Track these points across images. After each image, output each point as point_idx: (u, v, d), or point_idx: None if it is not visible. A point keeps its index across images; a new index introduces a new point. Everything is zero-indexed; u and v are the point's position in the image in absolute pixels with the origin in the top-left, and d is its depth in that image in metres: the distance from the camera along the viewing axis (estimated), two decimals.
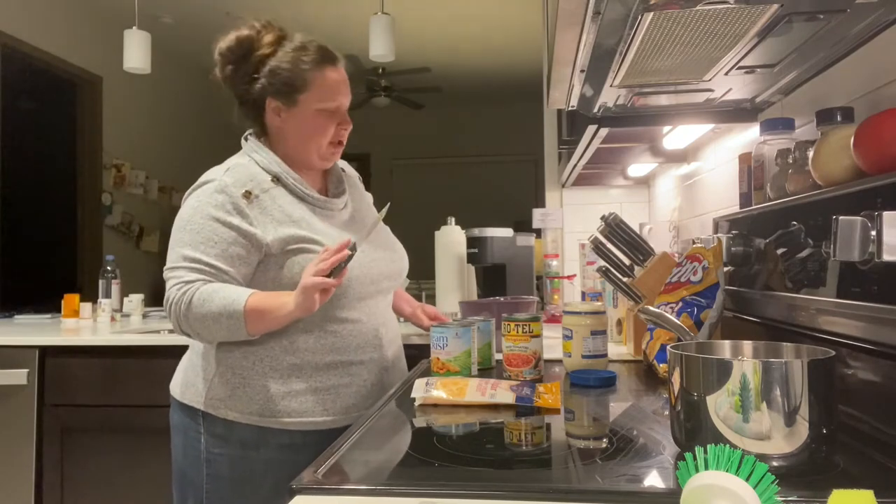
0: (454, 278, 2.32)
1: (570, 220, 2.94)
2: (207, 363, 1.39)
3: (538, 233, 2.84)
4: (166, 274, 1.35)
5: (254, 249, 1.35)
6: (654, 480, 0.74)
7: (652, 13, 0.90)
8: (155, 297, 5.04)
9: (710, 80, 1.22)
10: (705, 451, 0.57)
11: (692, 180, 2.18)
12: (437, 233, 2.35)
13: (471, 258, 2.43)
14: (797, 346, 0.79)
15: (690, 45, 1.03)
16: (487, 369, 1.46)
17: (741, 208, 1.44)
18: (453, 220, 2.38)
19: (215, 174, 1.39)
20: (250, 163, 1.42)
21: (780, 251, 1.15)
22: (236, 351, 1.37)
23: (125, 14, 3.61)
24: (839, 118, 1.07)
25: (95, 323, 2.67)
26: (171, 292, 1.32)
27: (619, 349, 1.70)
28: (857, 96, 1.10)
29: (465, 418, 1.04)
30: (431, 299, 2.38)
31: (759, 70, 1.18)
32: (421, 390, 1.12)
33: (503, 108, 7.73)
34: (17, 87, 4.44)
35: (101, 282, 2.86)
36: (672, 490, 0.68)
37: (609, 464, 0.79)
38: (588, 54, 1.12)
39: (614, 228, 1.51)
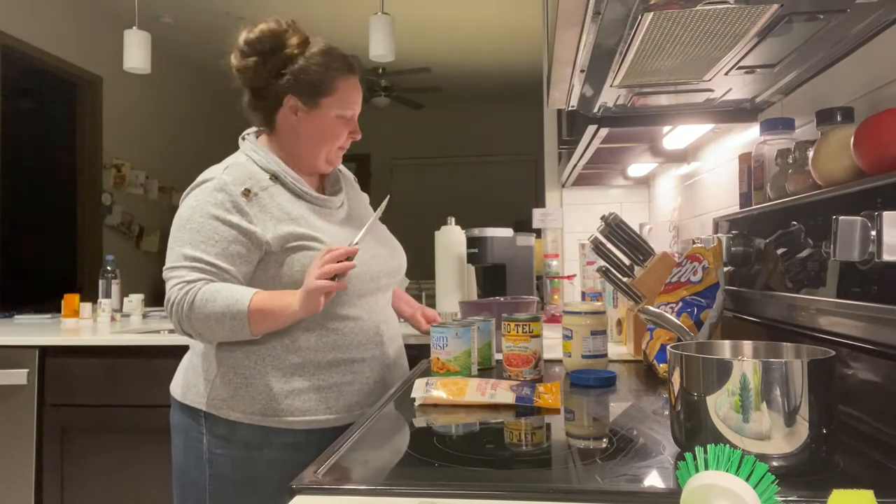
0: (454, 278, 2.32)
1: (570, 220, 2.94)
2: (209, 363, 1.39)
3: (538, 233, 2.84)
4: (166, 274, 1.35)
5: (254, 247, 1.35)
6: (654, 480, 0.74)
7: (652, 13, 0.90)
8: (155, 297, 5.04)
9: (710, 80, 1.22)
10: (705, 451, 0.57)
11: (692, 180, 2.18)
12: (437, 233, 2.35)
13: (471, 258, 2.43)
14: (797, 346, 0.79)
15: (690, 45, 1.02)
16: (487, 369, 1.46)
17: (741, 208, 1.44)
18: (453, 220, 2.38)
19: (214, 173, 1.39)
20: (248, 161, 1.42)
21: (780, 251, 1.15)
22: (238, 350, 1.37)
23: (125, 14, 3.61)
24: (839, 118, 1.07)
25: (95, 323, 2.67)
26: (173, 292, 1.31)
27: (619, 349, 1.70)
28: (857, 96, 1.10)
29: (465, 418, 1.04)
30: (431, 299, 2.38)
31: (759, 70, 1.18)
32: (421, 390, 1.12)
33: (503, 108, 7.73)
34: (17, 87, 4.44)
35: (101, 282, 2.86)
36: (672, 490, 0.68)
37: (609, 464, 0.79)
38: (588, 54, 1.12)
39: (614, 228, 1.51)
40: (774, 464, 0.68)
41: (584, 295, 2.33)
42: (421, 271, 2.97)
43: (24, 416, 2.13)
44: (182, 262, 1.33)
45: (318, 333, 1.38)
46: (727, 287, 1.34)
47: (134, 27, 3.36)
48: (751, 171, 1.40)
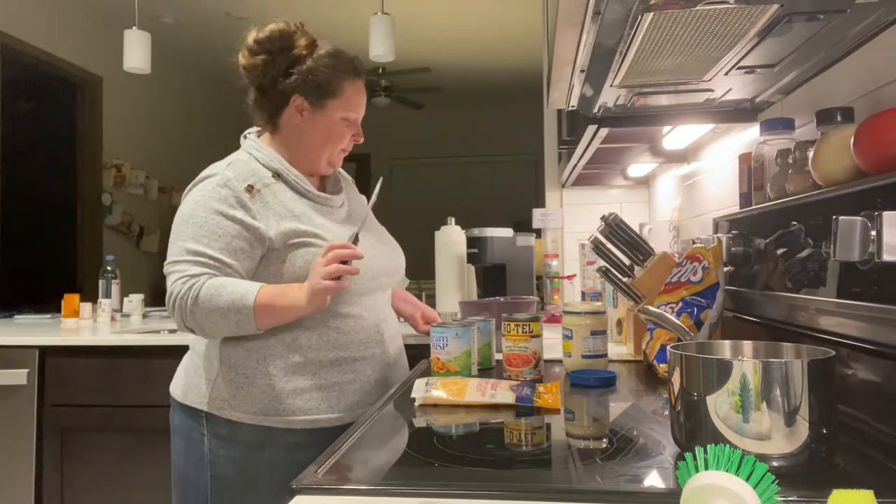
0: (454, 278, 2.32)
1: (570, 220, 2.94)
2: (210, 364, 1.39)
3: (538, 233, 2.84)
4: (168, 268, 1.35)
5: (257, 243, 1.35)
6: (654, 480, 0.74)
7: (652, 13, 0.90)
8: (155, 297, 5.04)
9: (710, 80, 1.22)
10: (705, 451, 0.57)
11: (692, 180, 2.18)
12: (437, 233, 2.35)
13: (471, 258, 2.43)
14: (797, 346, 0.79)
15: (690, 45, 1.02)
16: (487, 369, 1.46)
17: (741, 208, 1.44)
18: (453, 220, 2.38)
19: (217, 169, 1.40)
20: (250, 159, 1.43)
21: (780, 251, 1.15)
22: (239, 350, 1.37)
23: (125, 14, 3.61)
24: (839, 118, 1.07)
25: (95, 323, 2.67)
26: (176, 286, 1.31)
27: (619, 349, 1.70)
28: (857, 96, 1.10)
29: (465, 418, 1.04)
30: (431, 299, 2.38)
31: (759, 70, 1.18)
32: (421, 390, 1.12)
33: (503, 108, 7.73)
34: (17, 87, 4.44)
35: (101, 282, 2.86)
36: (672, 490, 0.68)
37: (609, 464, 0.79)
38: (588, 54, 1.12)
39: (614, 228, 1.51)
40: (774, 464, 0.68)
41: (584, 295, 2.33)
42: (421, 271, 2.97)
43: (24, 416, 2.13)
44: (185, 256, 1.32)
45: (320, 332, 1.38)
46: (727, 287, 1.34)
47: (134, 27, 3.36)
48: (751, 171, 1.39)
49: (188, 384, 1.41)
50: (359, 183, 1.69)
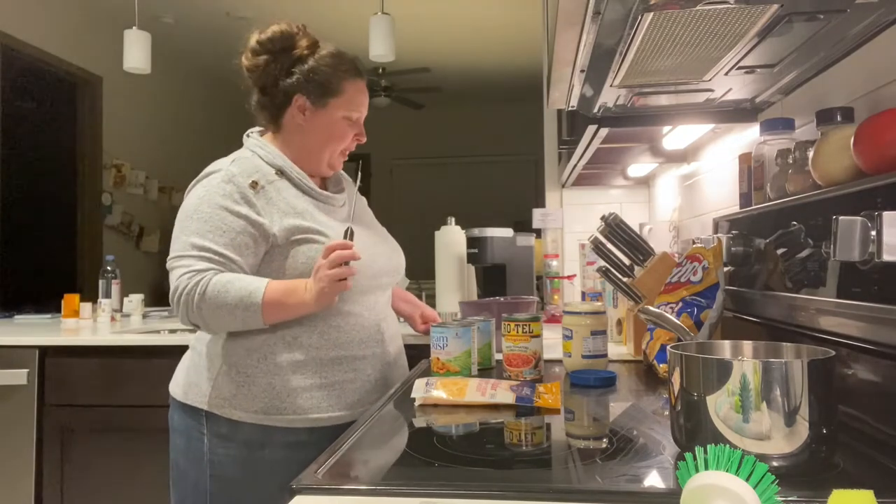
0: (454, 278, 2.32)
1: (570, 220, 2.94)
2: (211, 363, 1.39)
3: (538, 233, 2.84)
4: (172, 263, 1.35)
5: (261, 239, 1.36)
6: (654, 480, 0.74)
7: (652, 13, 0.90)
8: (155, 297, 5.04)
9: (710, 80, 1.22)
10: (705, 451, 0.57)
11: (692, 180, 2.18)
12: (437, 233, 2.35)
13: (471, 258, 2.43)
14: (797, 346, 0.79)
15: (690, 45, 1.02)
16: (487, 369, 1.46)
17: (741, 208, 1.44)
18: (453, 220, 2.38)
19: (221, 165, 1.41)
20: (254, 156, 1.44)
21: (780, 251, 1.15)
22: (240, 349, 1.37)
23: (125, 14, 3.61)
24: (839, 118, 1.07)
25: (95, 323, 2.67)
26: (182, 281, 1.31)
27: (619, 349, 1.70)
28: (857, 96, 1.10)
29: (465, 418, 1.04)
30: (431, 299, 2.38)
31: (759, 70, 1.18)
32: (421, 390, 1.12)
33: (503, 108, 7.73)
34: (17, 87, 4.44)
35: (101, 282, 2.86)
36: (672, 490, 0.68)
37: (609, 464, 0.79)
38: (588, 54, 1.12)
39: (614, 228, 1.51)
40: (774, 464, 0.68)
41: (584, 295, 2.33)
42: (421, 271, 2.97)
43: (24, 416, 2.13)
44: (190, 251, 1.33)
45: (321, 331, 1.39)
46: (727, 287, 1.34)
47: (134, 27, 3.36)
48: (751, 171, 1.39)
49: (188, 383, 1.41)
50: (354, 177, 1.69)
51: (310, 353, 1.38)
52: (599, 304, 1.53)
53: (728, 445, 0.58)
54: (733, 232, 1.34)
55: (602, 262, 1.53)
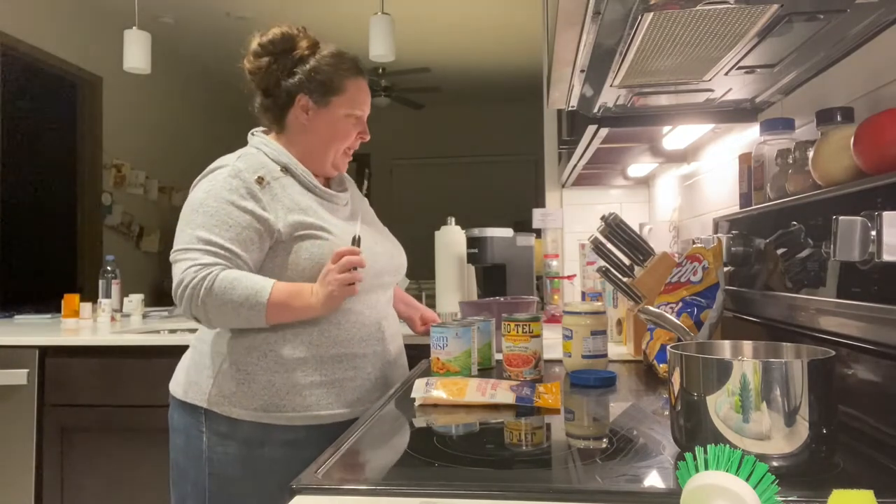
0: (454, 278, 2.32)
1: (570, 220, 2.94)
2: (212, 361, 1.39)
3: (538, 233, 2.84)
4: (177, 255, 1.35)
5: (266, 234, 1.36)
6: (654, 480, 0.74)
7: (652, 13, 0.90)
8: (155, 297, 5.03)
9: (710, 80, 1.22)
10: (705, 452, 0.57)
11: (692, 180, 2.18)
12: (437, 233, 2.35)
13: (471, 258, 2.43)
14: (797, 346, 0.79)
15: (690, 45, 1.02)
16: (487, 369, 1.46)
17: (741, 208, 1.44)
18: (453, 220, 2.38)
19: (227, 160, 1.42)
20: (259, 153, 1.45)
21: (780, 251, 1.15)
22: (240, 347, 1.37)
23: (125, 14, 3.61)
24: (839, 118, 1.07)
25: (95, 323, 2.67)
26: (187, 274, 1.31)
27: (619, 349, 1.70)
28: (857, 96, 1.10)
29: (465, 418, 1.04)
30: (431, 299, 2.38)
31: (759, 70, 1.18)
32: (421, 390, 1.12)
33: (503, 108, 7.73)
34: (17, 87, 4.44)
35: (101, 282, 2.86)
36: (672, 490, 0.68)
37: (609, 464, 0.79)
38: (588, 54, 1.12)
39: (614, 228, 1.51)
40: (774, 464, 0.68)
41: (584, 295, 2.33)
42: (421, 271, 2.97)
43: (24, 416, 2.13)
44: (196, 244, 1.33)
45: (321, 328, 1.39)
46: (727, 287, 1.34)
47: (134, 27, 3.36)
48: (751, 171, 1.39)
49: (189, 382, 1.41)
50: (358, 182, 1.69)
51: (310, 351, 1.38)
52: (599, 304, 1.53)
53: (728, 445, 0.58)
54: (733, 232, 1.34)
55: (602, 262, 1.53)
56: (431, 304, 2.29)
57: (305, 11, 5.01)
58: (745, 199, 1.43)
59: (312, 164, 1.48)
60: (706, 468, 0.56)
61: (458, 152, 8.19)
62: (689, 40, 1.00)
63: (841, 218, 0.85)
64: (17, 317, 2.92)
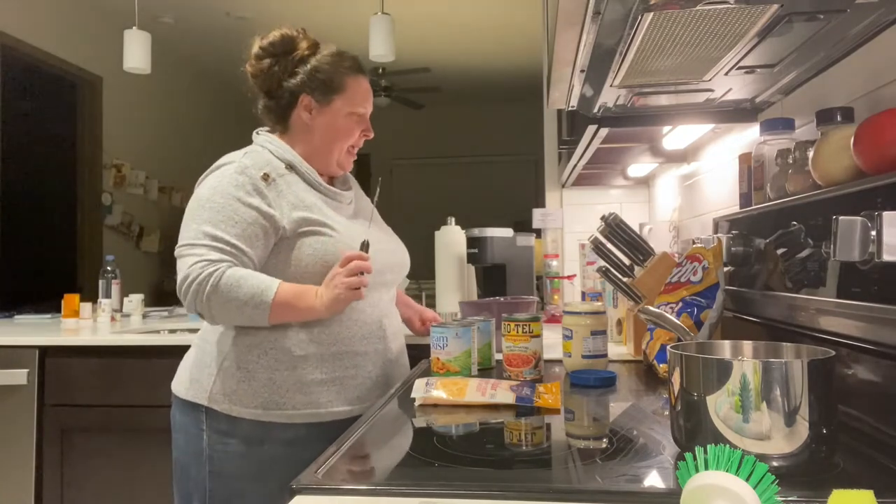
0: (454, 278, 2.32)
1: (570, 220, 2.94)
2: (214, 359, 1.40)
3: (538, 233, 2.84)
4: (183, 250, 1.35)
5: (271, 231, 1.37)
6: (654, 480, 0.74)
7: (652, 13, 0.90)
8: (155, 297, 5.03)
9: (710, 80, 1.22)
10: (705, 452, 0.57)
11: (692, 180, 2.18)
12: (437, 233, 2.35)
13: (471, 258, 2.43)
14: (797, 346, 0.79)
15: (690, 45, 1.02)
16: (487, 369, 1.46)
17: (741, 208, 1.44)
18: (453, 220, 2.38)
19: (233, 157, 1.43)
20: (264, 151, 1.46)
21: (780, 251, 1.15)
22: (242, 345, 1.38)
23: (125, 14, 3.61)
24: (839, 118, 1.07)
25: (95, 323, 2.67)
26: (193, 270, 1.31)
27: (619, 349, 1.70)
28: (857, 96, 1.10)
29: (465, 418, 1.04)
30: (431, 299, 2.38)
31: (759, 70, 1.18)
32: (421, 390, 1.12)
33: (503, 108, 7.73)
34: (17, 87, 4.44)
35: (101, 282, 2.86)
36: (672, 490, 0.68)
37: (609, 464, 0.79)
38: (588, 54, 1.12)
39: (614, 228, 1.51)
40: (774, 464, 0.68)
41: (584, 295, 2.33)
42: (421, 271, 2.96)
43: (24, 416, 2.13)
44: (203, 239, 1.33)
45: (322, 326, 1.40)
46: (727, 287, 1.34)
47: (134, 27, 3.36)
48: (751, 171, 1.39)
49: (191, 379, 1.42)
50: (369, 190, 1.69)
51: (312, 348, 1.39)
52: (599, 304, 1.53)
53: (728, 445, 0.58)
54: (733, 232, 1.34)
55: (602, 262, 1.53)
56: (431, 304, 2.29)
57: (305, 11, 5.01)
58: (745, 199, 1.43)
59: (317, 162, 1.49)
60: (706, 468, 0.56)
61: (458, 152, 8.20)
62: (689, 40, 1.00)
63: (841, 218, 0.85)
64: (17, 317, 2.92)
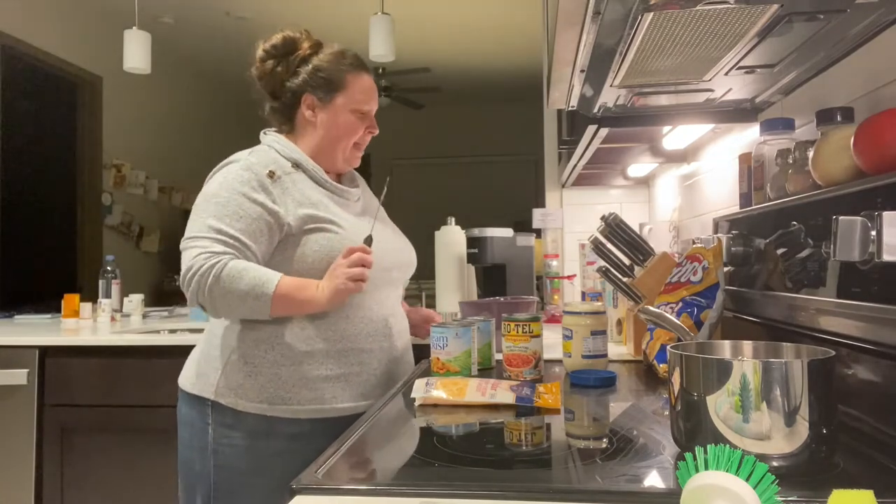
0: (454, 278, 2.32)
1: (570, 220, 2.94)
2: (221, 353, 1.41)
3: (538, 233, 2.84)
4: (187, 243, 1.37)
5: (276, 227, 1.38)
6: (654, 480, 0.74)
7: (652, 13, 0.90)
8: (155, 297, 5.03)
9: (710, 80, 1.22)
10: (705, 452, 0.57)
11: (692, 180, 2.18)
12: (437, 233, 2.35)
13: (471, 258, 2.43)
14: (797, 346, 0.79)
15: (690, 45, 1.02)
16: (487, 369, 1.46)
17: (741, 208, 1.44)
18: (453, 220, 2.38)
19: (240, 155, 1.45)
20: (270, 150, 1.47)
21: (780, 251, 1.15)
22: (249, 340, 1.39)
23: (125, 14, 3.61)
24: (839, 118, 1.07)
25: (95, 323, 2.67)
26: (197, 261, 1.33)
27: (619, 349, 1.70)
28: (857, 96, 1.10)
29: (465, 418, 1.04)
30: (431, 299, 2.38)
31: (759, 70, 1.18)
32: (421, 390, 1.12)
33: (503, 108, 7.73)
34: (17, 87, 4.44)
35: (101, 282, 2.86)
36: (672, 490, 0.68)
37: (609, 464, 0.79)
38: (588, 54, 1.12)
39: (614, 228, 1.51)
40: (774, 464, 0.68)
41: (584, 295, 2.33)
42: (421, 271, 2.96)
43: (24, 416, 2.13)
44: (208, 233, 1.35)
45: (329, 322, 1.40)
46: (727, 287, 1.34)
47: (134, 27, 3.36)
48: (751, 171, 1.39)
49: (197, 374, 1.43)
50: (377, 190, 1.70)
51: (318, 344, 1.39)
52: (599, 304, 1.53)
53: (728, 445, 0.58)
54: (733, 232, 1.34)
55: (602, 262, 1.53)
56: (431, 304, 2.29)
57: (305, 11, 5.01)
58: (745, 199, 1.43)
59: (323, 160, 1.50)
60: (706, 468, 0.56)
61: (458, 152, 8.19)
62: (689, 40, 1.00)
63: (841, 218, 0.85)
64: (16, 317, 2.92)
